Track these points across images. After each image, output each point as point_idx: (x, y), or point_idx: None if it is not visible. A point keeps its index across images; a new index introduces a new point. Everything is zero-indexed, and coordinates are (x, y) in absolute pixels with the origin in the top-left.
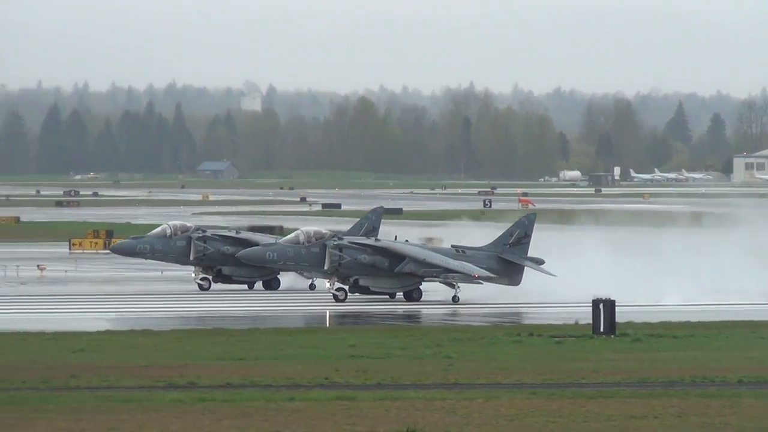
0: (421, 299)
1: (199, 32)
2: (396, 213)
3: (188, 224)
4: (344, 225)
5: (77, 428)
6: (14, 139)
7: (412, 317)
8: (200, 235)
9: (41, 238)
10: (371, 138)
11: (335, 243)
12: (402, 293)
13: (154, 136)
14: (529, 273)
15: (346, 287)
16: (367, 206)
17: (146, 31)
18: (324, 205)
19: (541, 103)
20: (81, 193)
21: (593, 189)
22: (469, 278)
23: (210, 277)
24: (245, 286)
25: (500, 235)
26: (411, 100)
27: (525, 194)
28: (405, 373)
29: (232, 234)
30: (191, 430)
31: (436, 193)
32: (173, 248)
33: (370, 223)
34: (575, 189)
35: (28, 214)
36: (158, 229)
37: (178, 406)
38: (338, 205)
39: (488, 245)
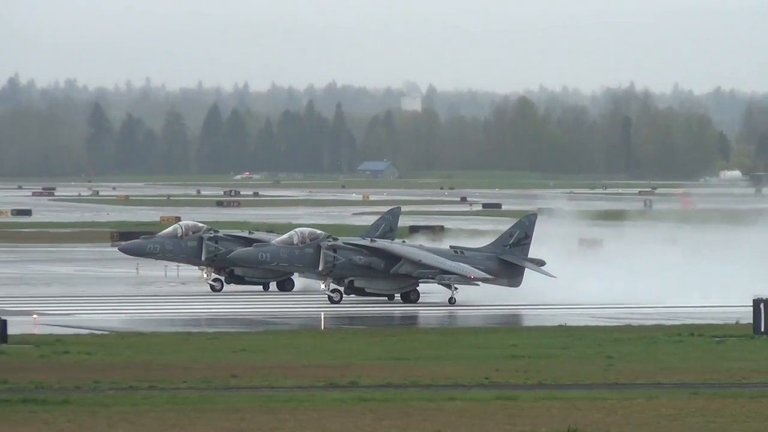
0: (419, 301)
1: (359, 33)
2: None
3: (200, 224)
4: (504, 225)
5: (238, 428)
6: (175, 139)
7: (410, 319)
8: (212, 235)
9: None
10: (531, 138)
11: (329, 244)
12: (399, 295)
13: (314, 136)
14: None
15: (342, 289)
16: (527, 207)
17: (306, 31)
18: (484, 205)
19: (701, 102)
20: (241, 193)
21: (753, 189)
22: (466, 279)
23: (222, 279)
24: (259, 288)
25: (500, 236)
26: (571, 100)
27: (686, 194)
28: (566, 373)
29: (245, 234)
30: (352, 429)
31: (596, 193)
32: (184, 248)
33: (387, 223)
34: (735, 189)
35: (189, 214)
36: (169, 229)
37: (339, 405)
38: (498, 205)
39: (488, 246)
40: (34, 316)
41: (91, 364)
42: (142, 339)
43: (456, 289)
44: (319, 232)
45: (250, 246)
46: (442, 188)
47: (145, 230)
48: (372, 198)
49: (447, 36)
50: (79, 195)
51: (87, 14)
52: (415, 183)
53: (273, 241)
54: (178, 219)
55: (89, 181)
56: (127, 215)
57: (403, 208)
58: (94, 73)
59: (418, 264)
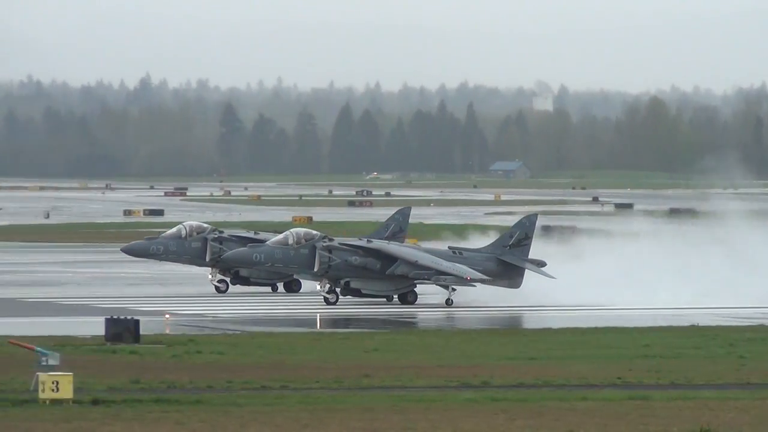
0: (416, 302)
1: (490, 33)
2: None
3: (204, 225)
4: (636, 224)
5: (371, 428)
6: (306, 139)
7: (409, 320)
8: (216, 236)
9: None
10: (662, 138)
11: (325, 244)
12: (396, 296)
13: (446, 136)
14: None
15: (338, 290)
16: (659, 206)
17: (438, 32)
18: (617, 205)
19: None
20: (373, 192)
21: None
22: (462, 281)
23: (228, 279)
24: (265, 289)
25: (500, 237)
26: (703, 100)
27: None
28: (698, 373)
29: (250, 235)
30: (484, 429)
31: (728, 193)
32: (188, 249)
33: (397, 224)
34: None
35: (321, 214)
36: (173, 229)
37: (471, 405)
38: (630, 205)
39: (487, 247)
40: (167, 316)
41: (223, 364)
42: (273, 339)
43: (454, 290)
44: (314, 232)
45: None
46: (573, 188)
47: (279, 231)
48: (504, 198)
49: (578, 36)
50: (211, 195)
51: (219, 16)
52: (546, 183)
53: (268, 242)
54: (310, 219)
55: (221, 181)
56: (258, 215)
57: (535, 209)
58: (226, 73)
59: (414, 265)
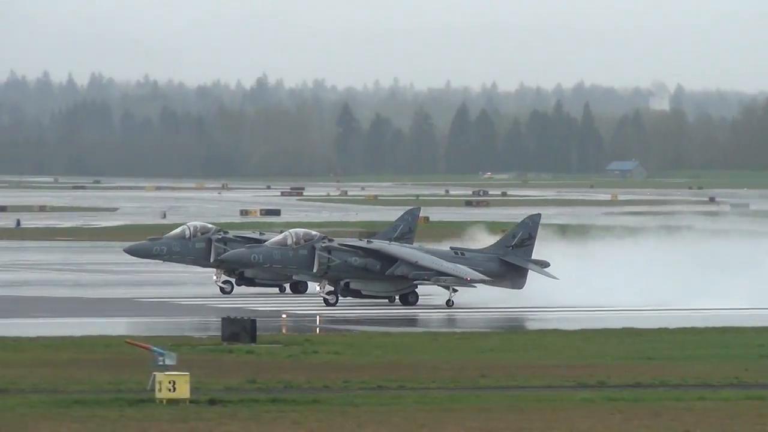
0: (417, 303)
1: (607, 33)
2: None
3: (209, 225)
4: (753, 225)
5: (487, 428)
6: (423, 138)
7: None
8: (220, 236)
9: (446, 238)
10: None
11: (324, 245)
12: (397, 297)
13: (562, 136)
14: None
15: (338, 291)
16: None
17: (554, 31)
18: (732, 205)
19: None
20: (490, 192)
21: None
22: (462, 281)
23: (233, 280)
24: (271, 289)
25: (503, 237)
26: None
27: None
28: None
29: (255, 235)
30: (600, 429)
31: None
32: (192, 250)
33: (405, 224)
34: None
35: (437, 214)
36: (177, 230)
37: (588, 405)
38: (746, 205)
39: (490, 247)
40: (283, 315)
41: (339, 363)
42: (390, 339)
43: (455, 291)
44: (314, 233)
45: None
46: (690, 188)
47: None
48: (620, 198)
49: (694, 35)
50: (328, 195)
51: (335, 17)
52: (663, 183)
53: (267, 242)
54: (426, 219)
55: (337, 181)
56: (374, 215)
57: (649, 209)
58: (343, 73)
59: (414, 265)
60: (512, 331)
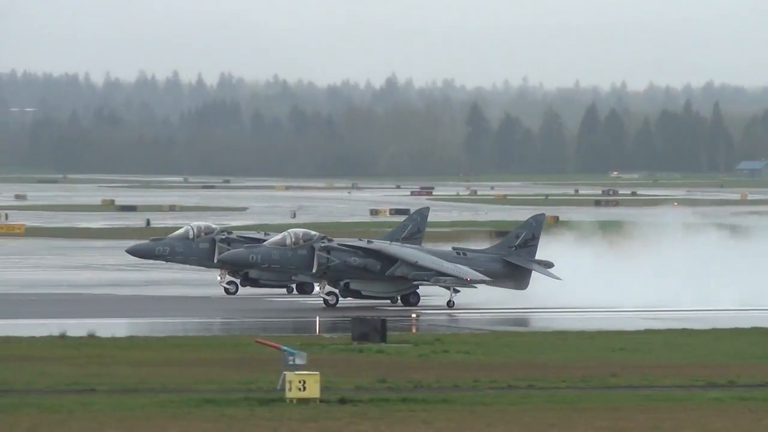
0: (419, 303)
1: (738, 31)
2: None
3: (213, 225)
4: None
5: (617, 427)
6: (552, 138)
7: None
8: (224, 237)
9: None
10: None
11: (323, 245)
12: (399, 297)
13: (691, 135)
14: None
15: (338, 291)
16: None
17: (681, 30)
18: None
19: None
20: (619, 192)
21: None
22: (462, 282)
23: (237, 281)
24: (276, 290)
25: (506, 237)
26: None
27: None
28: None
29: (260, 236)
30: (731, 429)
31: None
32: (196, 250)
33: (414, 224)
34: None
35: (567, 213)
36: (180, 230)
37: (718, 405)
38: None
39: (493, 247)
40: (413, 315)
41: (469, 363)
42: (519, 338)
43: (456, 291)
44: (313, 233)
45: None
46: None
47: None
48: (750, 197)
49: None
50: (457, 194)
51: (461, 15)
52: None
53: (266, 242)
54: (556, 219)
55: (467, 181)
56: (504, 215)
57: None
58: (472, 72)
59: (414, 266)
60: (642, 330)
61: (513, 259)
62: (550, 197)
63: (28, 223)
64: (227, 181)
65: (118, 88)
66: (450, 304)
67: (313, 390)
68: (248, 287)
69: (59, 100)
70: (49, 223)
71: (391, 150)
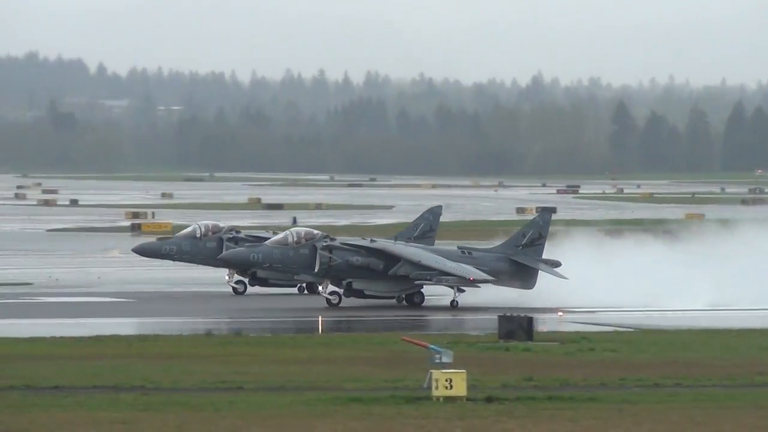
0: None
1: None
2: None
3: (220, 224)
4: None
5: (763, 425)
6: (698, 136)
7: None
8: (232, 235)
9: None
10: None
11: (325, 244)
12: (403, 297)
13: None
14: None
15: (340, 291)
16: None
17: None
18: None
19: None
20: (766, 190)
21: None
22: (465, 281)
23: (246, 281)
24: (285, 289)
25: (512, 236)
26: None
27: None
28: None
29: (269, 235)
30: None
31: None
32: (203, 249)
33: (427, 223)
34: None
35: (713, 212)
36: (188, 229)
37: None
38: None
39: (499, 246)
40: (560, 313)
41: (616, 361)
42: (666, 336)
43: (461, 291)
44: (315, 232)
45: None
46: None
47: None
48: None
49: None
50: (603, 193)
51: (602, 15)
52: None
53: (267, 242)
54: (702, 217)
55: (613, 179)
56: (649, 213)
57: None
58: (618, 70)
59: (416, 265)
60: None
61: (520, 259)
62: (696, 195)
63: (174, 222)
64: (373, 180)
65: (264, 87)
66: (453, 304)
67: (460, 388)
68: (257, 286)
69: (205, 99)
70: (194, 221)
71: (536, 148)
